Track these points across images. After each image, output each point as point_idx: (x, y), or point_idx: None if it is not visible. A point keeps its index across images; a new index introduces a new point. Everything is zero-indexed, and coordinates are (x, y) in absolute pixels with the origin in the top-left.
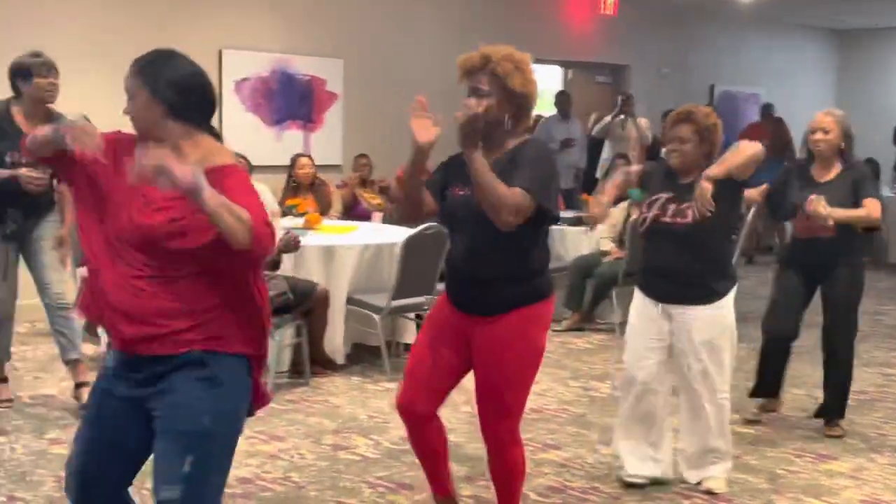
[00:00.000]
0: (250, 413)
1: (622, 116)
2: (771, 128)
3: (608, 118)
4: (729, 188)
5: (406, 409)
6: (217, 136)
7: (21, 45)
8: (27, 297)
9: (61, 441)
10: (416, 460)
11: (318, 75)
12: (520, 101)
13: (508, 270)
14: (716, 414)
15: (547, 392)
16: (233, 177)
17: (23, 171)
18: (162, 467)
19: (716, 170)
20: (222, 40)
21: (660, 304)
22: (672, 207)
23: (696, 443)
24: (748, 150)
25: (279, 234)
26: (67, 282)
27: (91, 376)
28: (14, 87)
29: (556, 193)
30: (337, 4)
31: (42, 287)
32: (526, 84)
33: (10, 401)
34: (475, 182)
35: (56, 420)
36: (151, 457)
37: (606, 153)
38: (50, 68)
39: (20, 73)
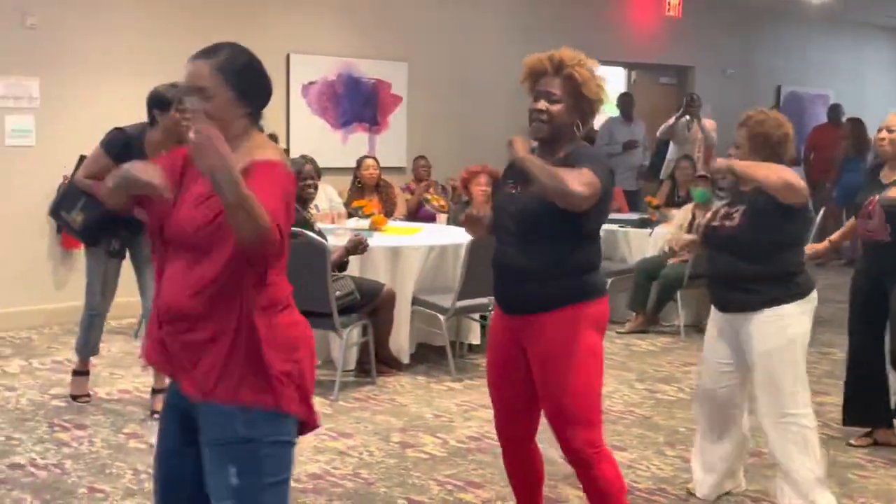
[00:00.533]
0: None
1: (687, 117)
2: (850, 128)
3: (672, 119)
4: (777, 206)
5: (499, 433)
6: (269, 133)
7: (83, 50)
8: None
9: (138, 435)
10: (484, 458)
11: (384, 79)
12: (589, 108)
13: (553, 264)
14: (781, 436)
15: (613, 394)
16: (262, 173)
17: None
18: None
19: (740, 165)
20: (290, 45)
21: (726, 317)
22: (723, 212)
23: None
24: (784, 173)
25: (347, 237)
26: None
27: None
28: (150, 115)
29: (609, 190)
30: (402, 9)
31: (144, 294)
32: (599, 92)
33: (88, 396)
34: (538, 180)
35: (132, 415)
36: None
37: (671, 154)
38: None
39: (157, 103)
